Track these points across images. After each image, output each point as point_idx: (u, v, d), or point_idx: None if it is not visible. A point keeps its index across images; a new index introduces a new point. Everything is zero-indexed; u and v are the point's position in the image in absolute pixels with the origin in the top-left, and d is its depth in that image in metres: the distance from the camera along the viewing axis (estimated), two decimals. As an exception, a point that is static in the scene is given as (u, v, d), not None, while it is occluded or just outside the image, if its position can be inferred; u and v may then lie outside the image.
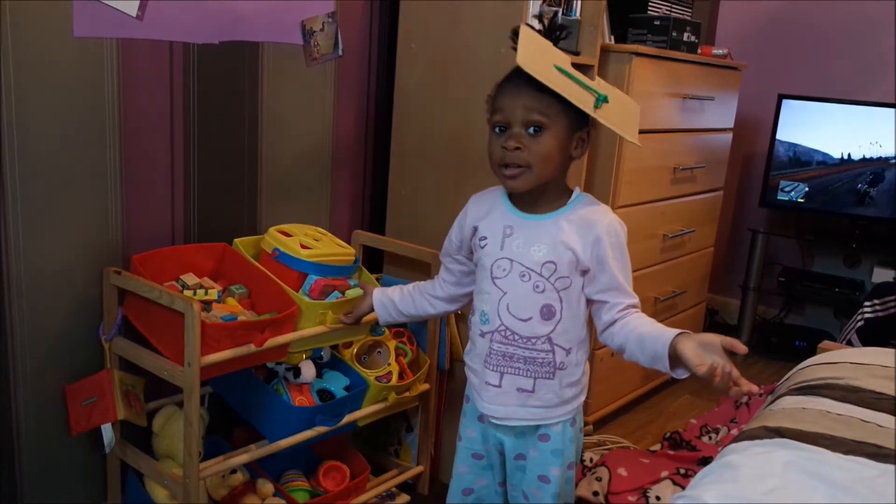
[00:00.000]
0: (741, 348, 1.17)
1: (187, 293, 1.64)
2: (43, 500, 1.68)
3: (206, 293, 1.67)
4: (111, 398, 1.59)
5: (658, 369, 1.26)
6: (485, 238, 1.38)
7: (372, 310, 1.59)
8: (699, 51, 2.67)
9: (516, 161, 1.28)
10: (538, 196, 1.34)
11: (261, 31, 1.86)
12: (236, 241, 1.82)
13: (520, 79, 1.27)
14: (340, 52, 2.05)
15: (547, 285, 1.32)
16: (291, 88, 1.97)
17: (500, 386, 1.37)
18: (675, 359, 1.22)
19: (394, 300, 1.56)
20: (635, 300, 1.35)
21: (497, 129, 1.31)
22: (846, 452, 1.19)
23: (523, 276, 1.33)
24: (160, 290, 1.53)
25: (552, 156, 1.29)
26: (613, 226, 1.34)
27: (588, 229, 1.32)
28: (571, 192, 1.37)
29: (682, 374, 1.24)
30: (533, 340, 1.34)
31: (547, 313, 1.33)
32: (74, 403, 1.63)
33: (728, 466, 1.16)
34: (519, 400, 1.37)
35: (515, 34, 1.30)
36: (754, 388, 1.13)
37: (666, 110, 2.52)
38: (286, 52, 1.93)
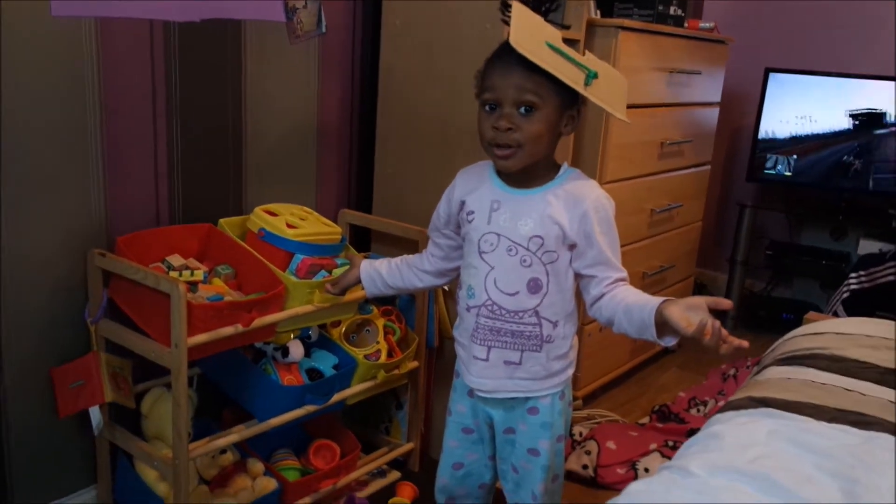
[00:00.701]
0: (726, 303, 1.17)
1: (173, 274, 1.63)
2: (32, 483, 1.68)
3: (191, 274, 1.66)
4: (98, 381, 1.59)
5: (646, 339, 1.26)
6: (472, 212, 1.38)
7: (359, 281, 1.58)
8: (686, 24, 2.66)
9: (508, 141, 1.27)
10: (527, 171, 1.33)
11: (243, 9, 1.84)
12: (221, 221, 1.81)
13: (511, 56, 1.25)
14: (324, 30, 2.02)
15: (534, 259, 1.32)
16: (275, 66, 1.96)
17: (487, 360, 1.38)
18: (663, 326, 1.22)
19: (381, 272, 1.55)
20: (624, 274, 1.35)
21: (487, 108, 1.30)
22: (830, 420, 1.20)
23: (510, 250, 1.33)
24: (145, 272, 1.52)
25: (543, 135, 1.29)
26: (601, 200, 1.33)
27: (575, 204, 1.32)
28: (559, 166, 1.37)
29: (670, 342, 1.24)
30: (520, 314, 1.35)
31: (533, 287, 1.33)
32: (62, 386, 1.63)
33: (713, 436, 1.17)
34: (506, 373, 1.38)
35: (505, 6, 1.29)
36: (744, 343, 1.14)
37: (653, 84, 2.51)
38: (269, 30, 1.91)
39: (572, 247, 1.33)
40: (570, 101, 1.31)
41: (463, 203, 1.40)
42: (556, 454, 1.44)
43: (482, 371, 1.39)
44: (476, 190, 1.39)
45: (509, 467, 1.47)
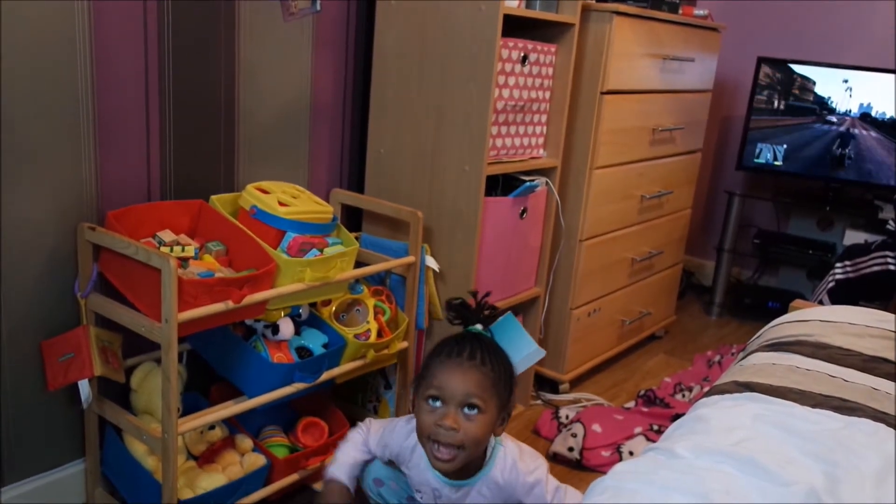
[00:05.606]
0: None
1: (164, 250, 1.63)
2: (21, 456, 1.69)
3: (182, 250, 1.66)
4: (88, 354, 1.58)
5: None
6: (419, 491, 1.46)
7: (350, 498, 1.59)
8: (680, 11, 2.66)
9: (451, 441, 1.31)
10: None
11: (237, -16, 1.83)
12: (213, 198, 1.80)
13: (461, 357, 1.31)
14: (318, 8, 2.01)
15: None
16: (268, 44, 1.94)
17: None
18: None
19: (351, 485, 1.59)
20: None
21: (430, 401, 1.33)
22: (813, 405, 1.22)
23: None
24: (136, 246, 1.51)
25: (484, 439, 1.35)
26: (526, 482, 1.40)
27: (509, 496, 1.40)
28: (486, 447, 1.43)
29: None
30: None
31: None
32: (51, 359, 1.63)
33: (699, 419, 1.19)
34: None
35: (450, 307, 1.40)
36: None
37: (645, 71, 2.51)
38: (263, 7, 1.90)
39: None
40: (507, 399, 1.37)
41: (399, 466, 1.49)
42: None
43: None
44: (412, 463, 1.46)
45: None
